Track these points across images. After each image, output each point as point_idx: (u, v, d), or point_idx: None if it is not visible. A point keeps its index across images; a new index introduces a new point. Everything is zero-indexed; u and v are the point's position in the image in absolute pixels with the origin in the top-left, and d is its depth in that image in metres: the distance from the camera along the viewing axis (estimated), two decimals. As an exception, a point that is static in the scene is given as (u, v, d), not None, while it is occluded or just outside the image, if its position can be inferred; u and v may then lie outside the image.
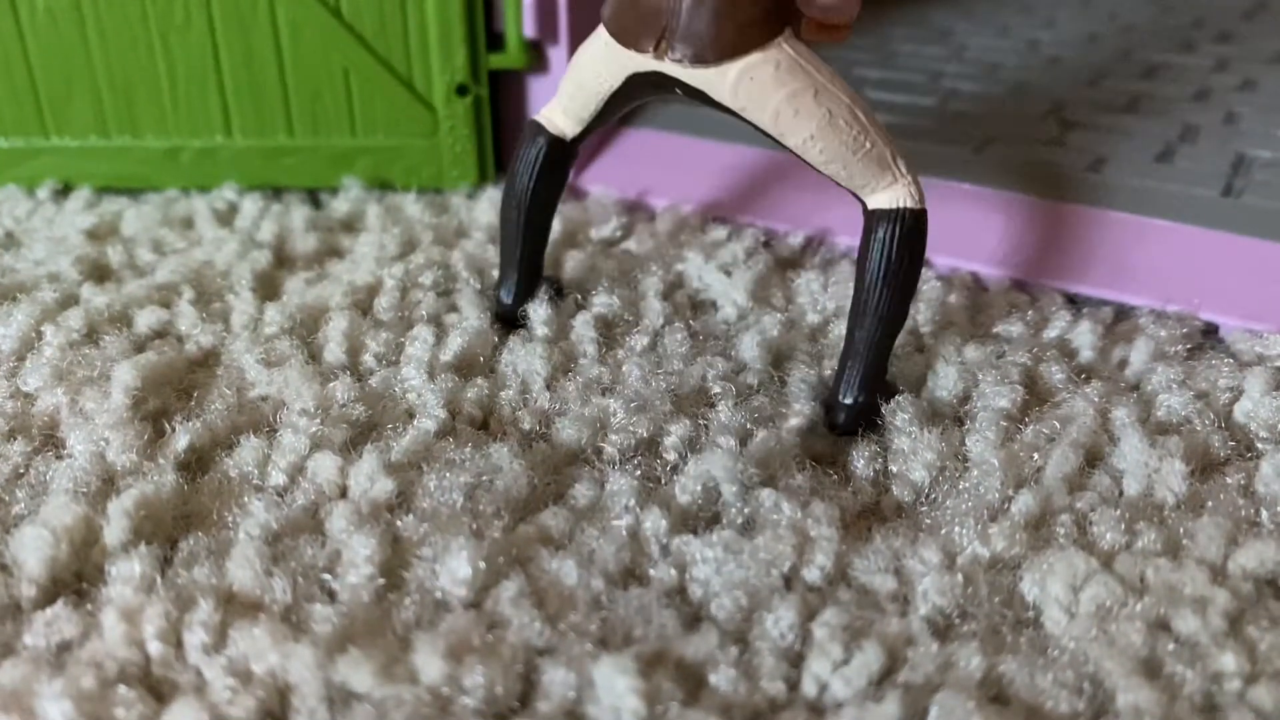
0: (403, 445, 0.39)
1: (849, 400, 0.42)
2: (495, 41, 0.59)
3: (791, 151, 0.40)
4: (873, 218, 0.40)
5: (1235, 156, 0.59)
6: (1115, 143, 0.61)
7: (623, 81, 0.41)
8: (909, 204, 0.40)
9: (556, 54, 0.59)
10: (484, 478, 0.38)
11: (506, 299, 0.48)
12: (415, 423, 0.41)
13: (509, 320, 0.48)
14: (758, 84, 0.38)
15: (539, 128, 0.45)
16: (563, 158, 0.46)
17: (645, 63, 0.40)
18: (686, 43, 0.38)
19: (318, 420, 0.40)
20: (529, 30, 0.58)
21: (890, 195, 0.40)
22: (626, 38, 0.40)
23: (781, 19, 0.38)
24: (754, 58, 0.38)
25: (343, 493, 0.38)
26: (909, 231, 0.40)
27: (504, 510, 0.37)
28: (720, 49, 0.38)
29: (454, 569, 0.34)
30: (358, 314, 0.48)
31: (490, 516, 0.36)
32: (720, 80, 0.38)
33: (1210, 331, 0.48)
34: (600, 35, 0.41)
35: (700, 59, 0.38)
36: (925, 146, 0.61)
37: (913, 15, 0.91)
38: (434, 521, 0.36)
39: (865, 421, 0.42)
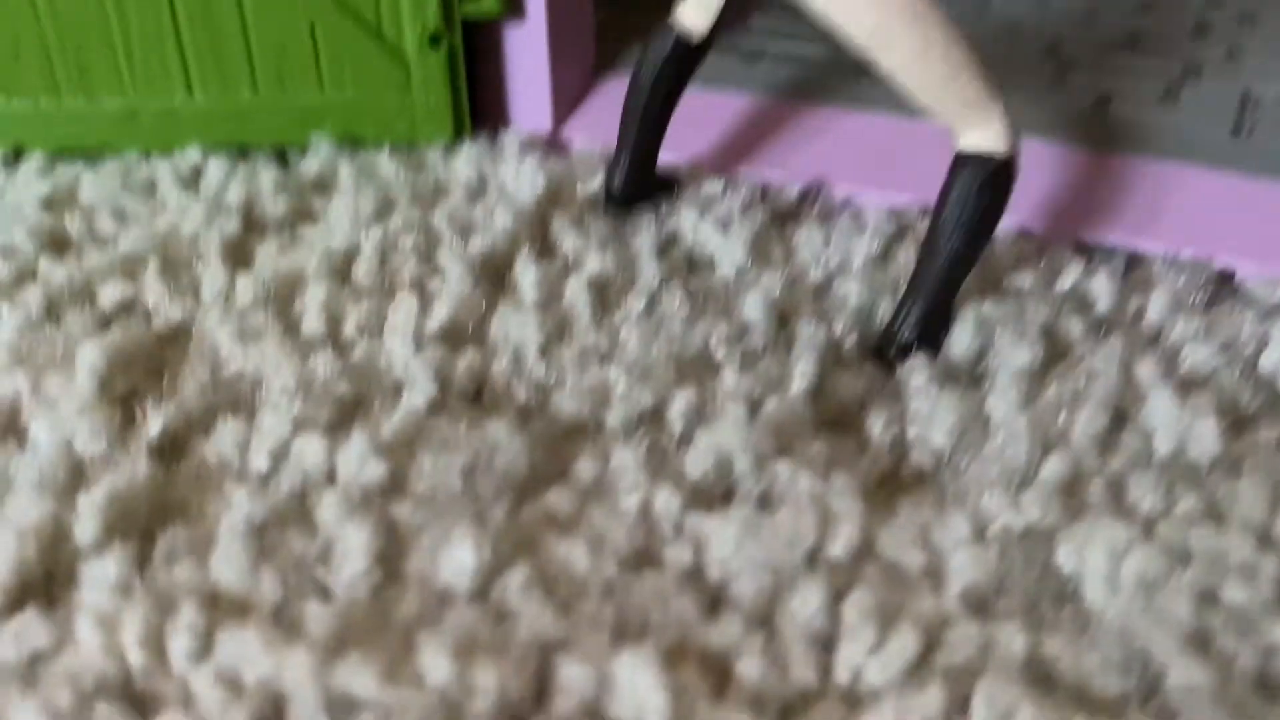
0: (393, 423, 0.37)
1: (904, 334, 0.42)
2: (469, -12, 0.56)
3: (883, 75, 0.40)
4: (959, 159, 0.40)
5: (1242, 93, 0.57)
6: (1117, 82, 0.59)
7: None
8: (997, 149, 0.40)
9: (533, 1, 0.56)
10: (481, 456, 0.36)
11: (615, 183, 0.50)
12: (404, 398, 0.39)
13: (615, 204, 0.50)
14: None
15: (669, 27, 0.48)
16: (687, 56, 0.48)
17: None
18: None
19: (299, 398, 0.38)
20: (504, -25, 0.55)
21: (980, 136, 0.40)
22: None
23: None
24: None
25: (331, 478, 0.35)
26: (992, 178, 0.40)
27: (505, 491, 0.35)
28: None
29: (456, 558, 0.31)
30: (335, 282, 0.45)
31: (491, 499, 0.34)
32: None
33: (1227, 278, 0.47)
34: None
35: None
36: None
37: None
38: (431, 507, 0.34)
39: (917, 354, 0.41)
